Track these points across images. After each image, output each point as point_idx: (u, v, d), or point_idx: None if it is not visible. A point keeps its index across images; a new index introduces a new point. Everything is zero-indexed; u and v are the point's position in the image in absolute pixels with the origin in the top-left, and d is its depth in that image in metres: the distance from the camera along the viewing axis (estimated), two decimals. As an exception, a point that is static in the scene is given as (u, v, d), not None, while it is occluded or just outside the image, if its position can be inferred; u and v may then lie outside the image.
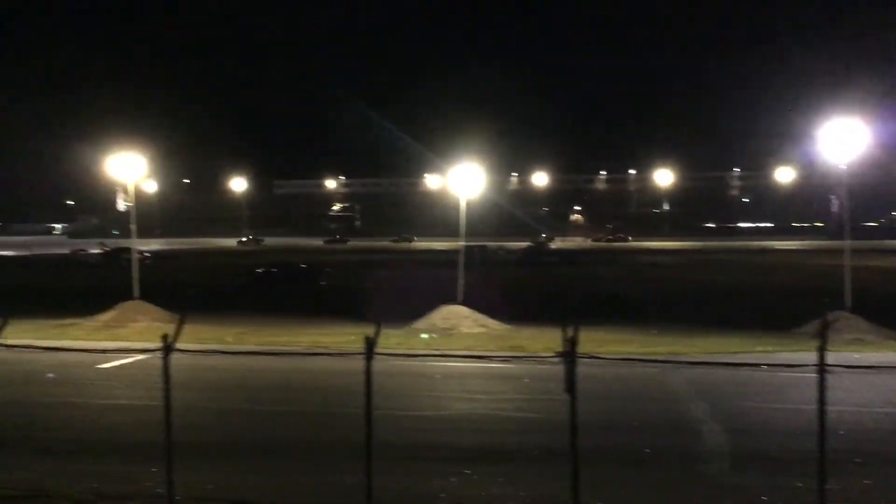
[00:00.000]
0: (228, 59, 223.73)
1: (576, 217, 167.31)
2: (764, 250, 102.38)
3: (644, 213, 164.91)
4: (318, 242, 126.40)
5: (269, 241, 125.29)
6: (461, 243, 35.53)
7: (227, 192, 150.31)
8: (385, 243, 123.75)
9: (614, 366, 18.16)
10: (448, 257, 49.38)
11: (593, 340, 22.62)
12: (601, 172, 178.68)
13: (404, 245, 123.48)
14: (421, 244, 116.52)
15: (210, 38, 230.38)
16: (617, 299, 41.33)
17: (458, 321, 31.37)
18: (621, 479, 13.40)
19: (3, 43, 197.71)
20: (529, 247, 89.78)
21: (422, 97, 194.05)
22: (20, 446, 15.03)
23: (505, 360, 22.28)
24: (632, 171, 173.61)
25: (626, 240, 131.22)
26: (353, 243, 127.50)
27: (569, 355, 9.26)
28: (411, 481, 13.16)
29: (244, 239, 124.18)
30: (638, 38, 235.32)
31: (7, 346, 10.66)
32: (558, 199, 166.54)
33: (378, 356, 9.99)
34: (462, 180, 35.33)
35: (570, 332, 9.35)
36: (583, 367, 9.51)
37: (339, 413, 17.39)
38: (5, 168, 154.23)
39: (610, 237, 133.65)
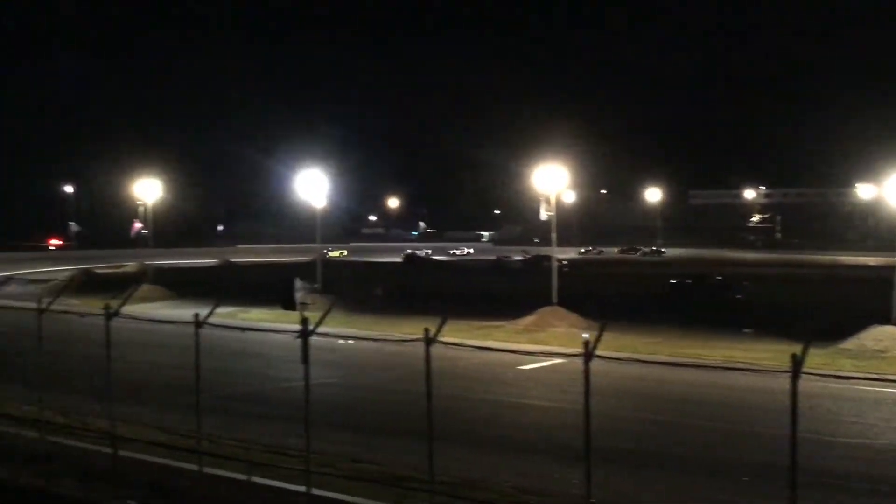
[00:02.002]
0: (642, 69, 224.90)
1: None
2: None
3: None
4: (732, 254, 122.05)
5: (674, 251, 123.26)
6: (897, 258, 32.31)
7: (642, 202, 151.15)
8: (812, 256, 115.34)
9: None
10: (880, 273, 45.21)
11: None
12: None
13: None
14: (846, 258, 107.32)
15: (624, 53, 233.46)
16: None
17: (893, 343, 28.58)
18: None
19: (432, 64, 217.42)
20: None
21: (851, 99, 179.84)
22: (447, 438, 16.35)
23: (951, 390, 19.90)
24: None
25: None
26: (774, 256, 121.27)
27: None
28: (836, 513, 12.26)
29: (646, 250, 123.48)
30: None
31: (443, 343, 11.65)
32: None
33: (803, 375, 9.40)
34: (900, 189, 32.11)
35: None
36: None
37: (755, 432, 16.74)
38: (448, 183, 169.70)
39: None
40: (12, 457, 14.15)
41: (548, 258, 56.83)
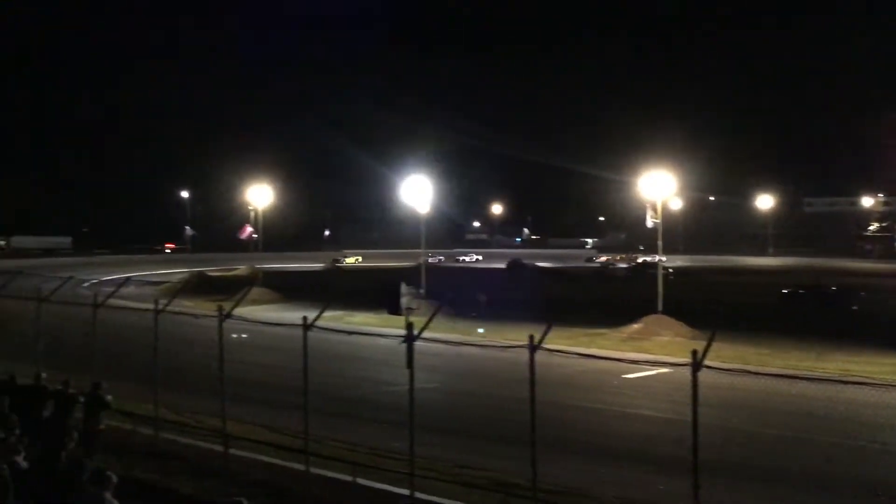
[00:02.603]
0: (754, 71, 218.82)
1: None
2: None
3: None
4: (847, 264, 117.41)
5: (786, 260, 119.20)
6: None
7: (752, 210, 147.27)
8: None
9: None
10: None
11: None
12: None
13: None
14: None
15: (734, 55, 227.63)
16: None
17: None
18: None
19: (537, 71, 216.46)
20: None
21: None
22: (549, 445, 16.25)
23: None
24: None
25: None
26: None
27: None
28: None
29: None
30: None
31: (548, 349, 11.62)
32: None
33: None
34: None
35: None
36: None
37: (871, 448, 16.18)
38: (553, 189, 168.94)
39: None
40: (129, 452, 14.73)
41: (653, 265, 55.95)
